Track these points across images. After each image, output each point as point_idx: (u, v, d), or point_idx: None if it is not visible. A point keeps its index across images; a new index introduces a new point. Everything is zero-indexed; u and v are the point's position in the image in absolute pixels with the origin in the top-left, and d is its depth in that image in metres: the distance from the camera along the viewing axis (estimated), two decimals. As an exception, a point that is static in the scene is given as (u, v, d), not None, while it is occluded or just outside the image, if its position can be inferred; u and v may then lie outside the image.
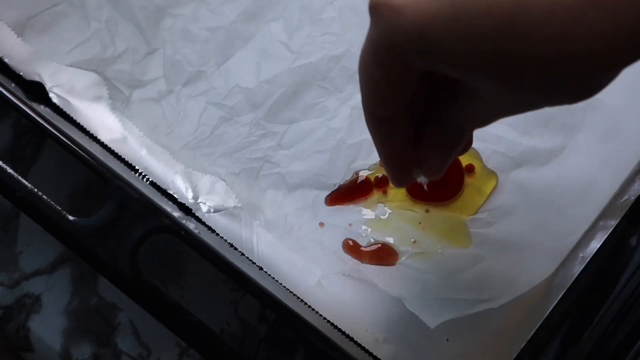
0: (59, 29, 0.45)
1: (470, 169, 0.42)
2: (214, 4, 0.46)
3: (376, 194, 0.43)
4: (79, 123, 0.43)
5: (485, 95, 0.28)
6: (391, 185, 0.43)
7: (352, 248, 0.42)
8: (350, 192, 0.43)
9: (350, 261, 0.42)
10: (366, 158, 0.44)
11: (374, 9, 0.27)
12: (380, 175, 0.43)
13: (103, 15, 0.46)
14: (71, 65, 0.44)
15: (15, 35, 0.44)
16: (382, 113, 0.31)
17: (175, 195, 0.42)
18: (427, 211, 0.43)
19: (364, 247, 0.42)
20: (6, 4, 0.45)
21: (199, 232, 0.40)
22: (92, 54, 0.45)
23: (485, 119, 0.31)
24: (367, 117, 0.31)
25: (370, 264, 0.42)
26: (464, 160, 0.43)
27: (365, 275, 0.42)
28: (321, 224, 0.43)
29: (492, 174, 0.43)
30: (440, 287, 0.41)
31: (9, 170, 0.39)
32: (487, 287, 0.41)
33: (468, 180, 0.43)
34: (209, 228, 0.41)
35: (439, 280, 0.42)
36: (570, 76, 0.24)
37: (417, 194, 0.43)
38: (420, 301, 0.41)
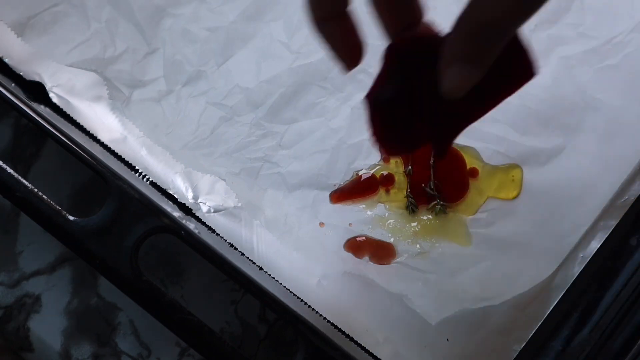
0: (59, 29, 0.45)
1: (474, 173, 0.42)
2: (214, 4, 0.46)
3: (379, 193, 0.43)
4: (79, 123, 0.43)
5: None
6: (394, 185, 0.43)
7: (353, 247, 0.42)
8: (357, 188, 0.43)
9: (351, 260, 0.42)
10: (366, 158, 0.44)
11: None
12: (385, 173, 0.43)
13: (103, 15, 0.46)
14: (71, 65, 0.45)
15: (15, 36, 0.44)
16: (330, 10, 0.33)
17: (175, 195, 0.42)
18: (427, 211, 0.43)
19: (365, 246, 0.42)
20: (6, 4, 0.45)
21: (199, 232, 0.40)
22: (92, 54, 0.45)
23: None
24: (313, 19, 0.33)
25: (371, 262, 0.42)
26: (467, 164, 0.43)
27: (366, 274, 0.42)
28: (321, 224, 0.43)
29: (511, 166, 0.43)
30: (441, 285, 0.41)
31: (9, 170, 0.39)
32: (488, 286, 0.41)
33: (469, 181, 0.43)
34: (209, 228, 0.41)
35: (440, 279, 0.42)
36: None
37: (421, 199, 0.43)
38: (421, 298, 0.41)
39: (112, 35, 0.45)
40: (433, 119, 0.35)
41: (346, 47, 0.34)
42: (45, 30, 0.45)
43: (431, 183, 0.42)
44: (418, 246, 0.42)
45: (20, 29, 0.44)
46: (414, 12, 0.35)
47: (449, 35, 0.31)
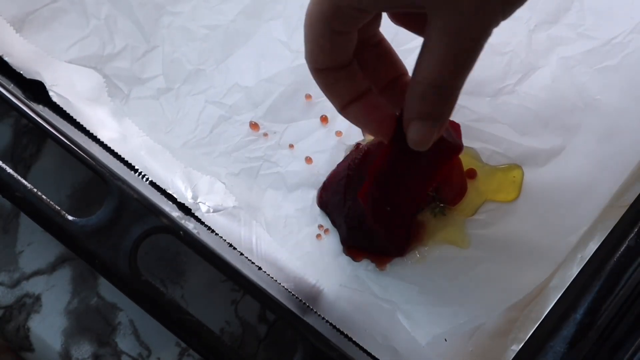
0: (58, 26, 0.45)
1: (471, 174, 0.42)
2: (214, 2, 0.45)
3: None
4: (78, 122, 0.43)
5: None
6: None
7: (352, 251, 0.42)
8: None
9: (349, 267, 0.42)
10: (366, 158, 0.44)
11: None
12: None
13: (102, 12, 0.45)
14: (70, 62, 0.44)
15: (15, 34, 0.44)
16: (328, 64, 0.34)
17: (174, 195, 0.42)
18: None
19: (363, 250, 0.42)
20: (5, 1, 0.45)
21: (198, 232, 0.40)
22: (91, 50, 0.45)
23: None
24: (313, 69, 0.35)
25: (371, 264, 0.42)
26: (465, 164, 0.42)
27: (362, 286, 0.42)
28: (320, 226, 0.43)
29: (511, 167, 0.42)
30: (437, 297, 0.41)
31: (9, 170, 0.39)
32: (487, 287, 0.41)
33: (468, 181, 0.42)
34: (209, 228, 0.41)
35: (437, 287, 0.41)
36: None
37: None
38: (415, 315, 0.41)
39: (111, 33, 0.45)
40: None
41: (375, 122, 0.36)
42: (44, 26, 0.45)
43: None
44: (417, 251, 0.42)
45: (19, 25, 0.44)
46: (396, 67, 0.38)
47: (406, 95, 0.34)
